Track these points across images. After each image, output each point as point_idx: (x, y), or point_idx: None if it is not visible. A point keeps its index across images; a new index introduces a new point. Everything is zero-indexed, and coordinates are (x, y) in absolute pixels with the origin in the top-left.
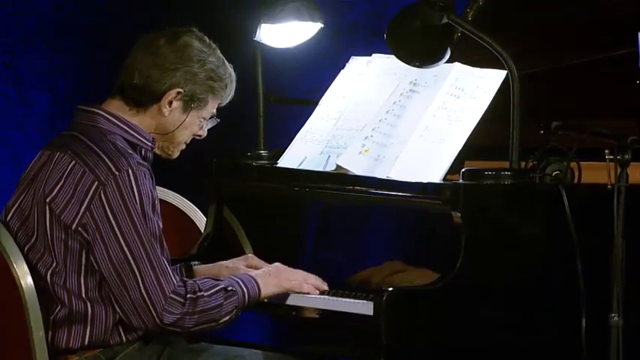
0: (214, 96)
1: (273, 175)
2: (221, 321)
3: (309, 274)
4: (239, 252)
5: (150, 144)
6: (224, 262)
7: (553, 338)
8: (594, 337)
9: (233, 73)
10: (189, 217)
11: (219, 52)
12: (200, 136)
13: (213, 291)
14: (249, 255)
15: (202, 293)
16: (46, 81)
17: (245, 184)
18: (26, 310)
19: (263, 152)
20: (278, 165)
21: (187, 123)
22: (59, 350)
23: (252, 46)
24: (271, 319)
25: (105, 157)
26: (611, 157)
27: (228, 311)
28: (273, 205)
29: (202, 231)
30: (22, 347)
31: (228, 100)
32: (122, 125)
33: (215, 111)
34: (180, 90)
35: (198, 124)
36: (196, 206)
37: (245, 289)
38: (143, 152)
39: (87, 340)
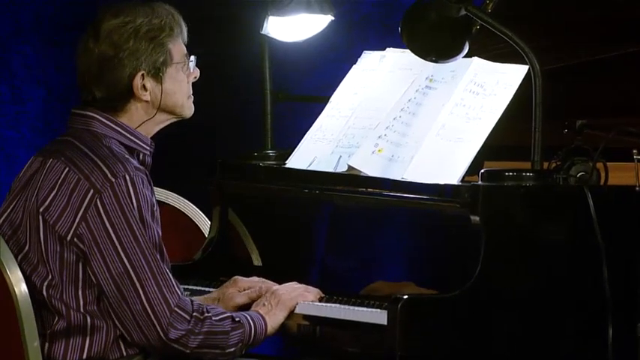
0: (171, 45)
1: (281, 176)
2: (227, 350)
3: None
4: (245, 257)
5: (148, 148)
6: (212, 294)
7: (577, 349)
8: (621, 348)
9: (168, 9)
10: (192, 220)
11: (140, 5)
12: (195, 77)
13: (221, 317)
14: (236, 277)
15: (210, 315)
16: (41, 77)
17: (251, 186)
18: (20, 320)
19: (270, 152)
20: (286, 166)
21: (171, 87)
22: None
23: (260, 40)
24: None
25: (100, 163)
26: None
27: (234, 342)
28: (281, 207)
29: (206, 235)
30: (17, 358)
31: (186, 33)
32: (118, 129)
33: (185, 50)
34: (142, 71)
35: (181, 76)
36: (200, 209)
37: (252, 323)
38: (141, 157)
39: (85, 353)
